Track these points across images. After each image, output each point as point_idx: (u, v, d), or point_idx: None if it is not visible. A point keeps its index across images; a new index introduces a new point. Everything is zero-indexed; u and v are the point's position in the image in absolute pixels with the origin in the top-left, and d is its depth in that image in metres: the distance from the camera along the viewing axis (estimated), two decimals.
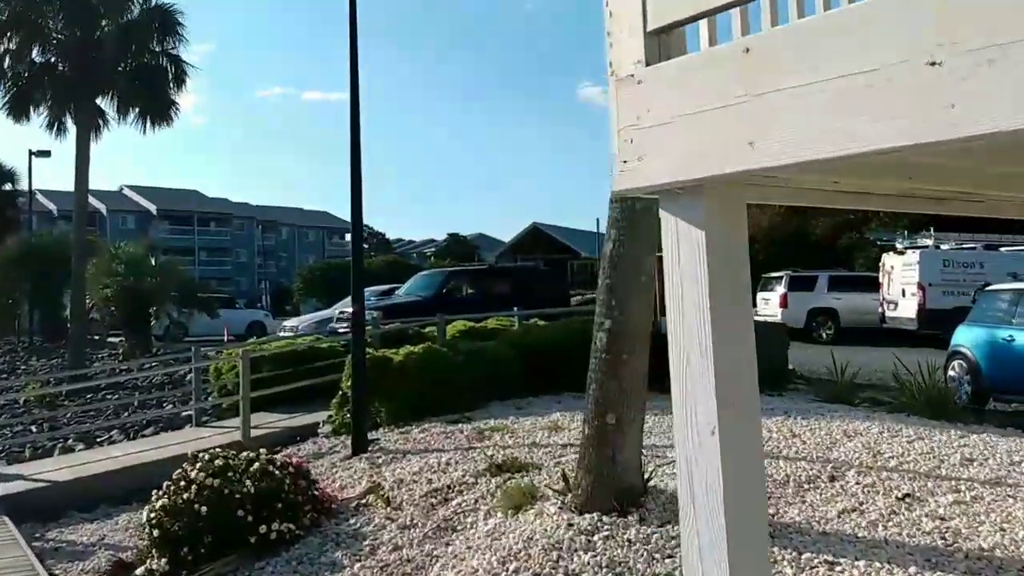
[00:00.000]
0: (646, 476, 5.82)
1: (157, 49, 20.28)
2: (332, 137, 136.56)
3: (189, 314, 24.75)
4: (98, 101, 20.27)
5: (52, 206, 66.11)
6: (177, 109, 20.92)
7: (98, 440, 13.54)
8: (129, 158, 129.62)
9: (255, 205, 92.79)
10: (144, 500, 9.48)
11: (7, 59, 19.49)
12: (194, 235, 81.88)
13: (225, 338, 18.76)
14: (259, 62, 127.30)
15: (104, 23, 20.06)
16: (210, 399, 14.09)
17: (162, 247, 48.79)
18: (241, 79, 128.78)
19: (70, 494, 9.94)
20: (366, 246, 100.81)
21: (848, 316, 24.41)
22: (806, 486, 5.90)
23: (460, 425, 10.17)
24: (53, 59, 19.83)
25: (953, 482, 5.88)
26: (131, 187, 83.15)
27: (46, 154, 35.92)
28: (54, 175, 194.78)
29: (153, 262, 24.78)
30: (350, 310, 19.07)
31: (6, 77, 19.49)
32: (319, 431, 11.60)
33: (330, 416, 11.71)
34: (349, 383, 11.25)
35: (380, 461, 8.99)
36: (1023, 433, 7.66)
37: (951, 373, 11.13)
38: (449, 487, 7.11)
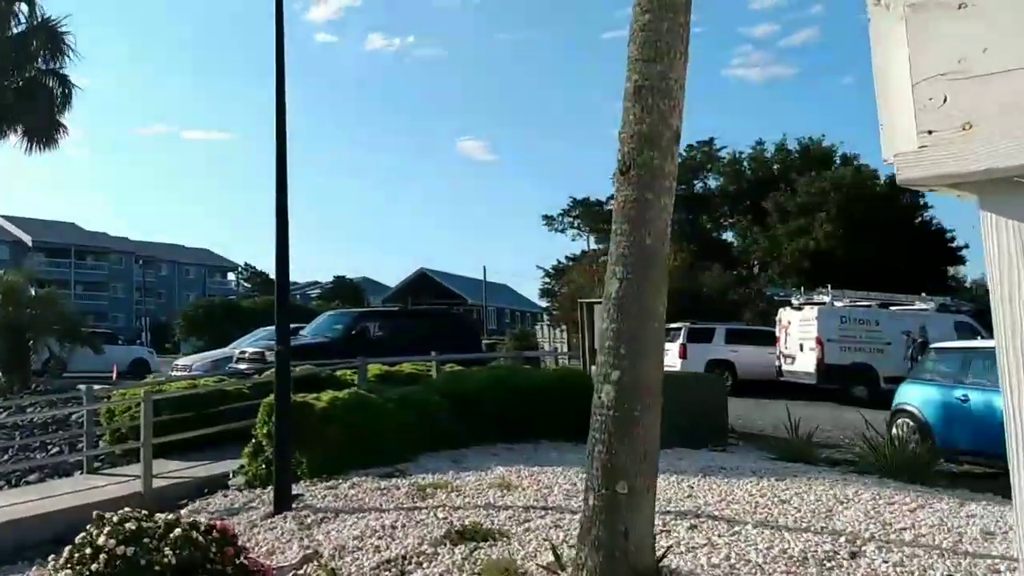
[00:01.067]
0: (658, 554, 5.16)
1: (44, 67, 18.76)
2: (215, 176, 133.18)
3: (70, 349, 22.82)
4: None
5: None
6: (64, 131, 19.42)
7: None
8: (4, 185, 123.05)
9: (135, 240, 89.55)
10: (33, 559, 8.28)
11: None
12: (71, 268, 77.96)
13: (113, 376, 17.13)
14: (140, 99, 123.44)
15: None
16: (101, 443, 12.71)
17: (37, 279, 45.88)
18: (121, 115, 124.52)
19: None
20: (248, 285, 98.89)
21: (745, 368, 24.71)
22: (827, 564, 5.35)
23: (395, 480, 9.31)
24: None
25: (989, 561, 5.45)
26: (4, 216, 78.93)
27: None
28: None
29: (33, 292, 22.87)
30: (252, 349, 18.06)
31: None
32: (230, 483, 10.49)
33: (242, 466, 10.63)
34: (265, 430, 10.26)
35: (310, 521, 8.03)
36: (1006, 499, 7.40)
37: (895, 432, 10.98)
38: (404, 558, 6.24)
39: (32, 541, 9.04)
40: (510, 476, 8.99)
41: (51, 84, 18.86)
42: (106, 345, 30.29)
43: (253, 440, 10.58)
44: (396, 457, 10.29)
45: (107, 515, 6.44)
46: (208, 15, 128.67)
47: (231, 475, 10.68)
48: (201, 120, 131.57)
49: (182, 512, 9.62)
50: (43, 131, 18.90)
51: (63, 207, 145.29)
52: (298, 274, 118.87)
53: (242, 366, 17.13)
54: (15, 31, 18.37)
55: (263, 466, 10.25)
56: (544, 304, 52.25)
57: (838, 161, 37.71)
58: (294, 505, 8.71)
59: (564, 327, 43.88)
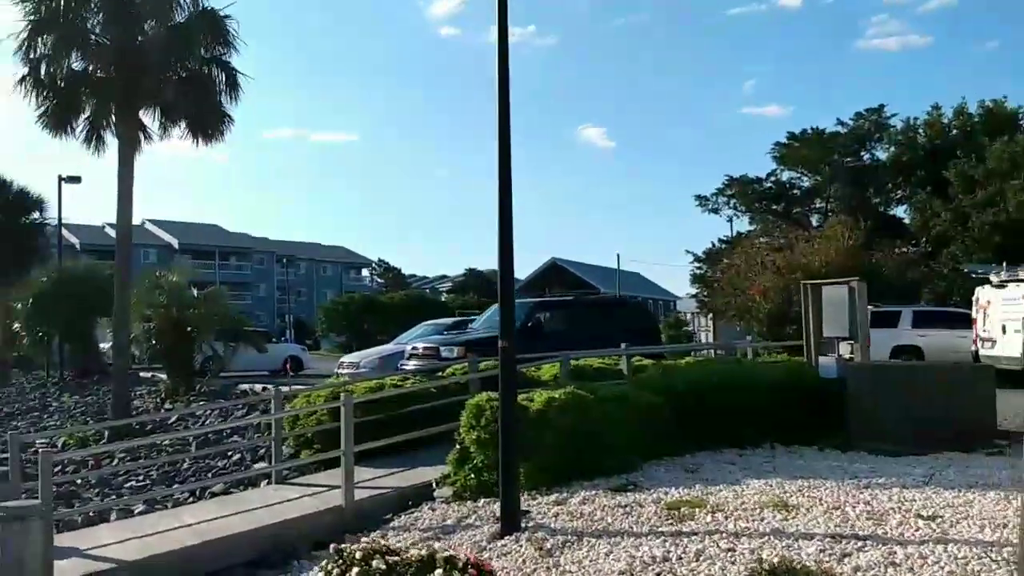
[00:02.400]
0: None
1: (207, 56, 18.32)
2: (344, 175, 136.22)
3: (233, 349, 22.66)
4: (141, 113, 18.35)
5: (75, 240, 64.85)
6: (230, 121, 18.91)
7: (159, 500, 11.46)
8: (148, 192, 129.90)
9: (274, 240, 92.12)
10: None
11: (43, 65, 17.59)
12: (215, 269, 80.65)
13: (288, 375, 16.55)
14: (268, 103, 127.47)
15: (148, 26, 18.17)
16: (284, 449, 11.96)
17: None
18: (252, 119, 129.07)
19: None
20: (381, 281, 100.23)
21: (935, 355, 22.17)
22: None
23: (631, 495, 8.03)
24: (92, 65, 17.86)
25: None
26: (153, 221, 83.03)
27: (76, 180, 34.22)
28: (77, 207, 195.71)
29: (195, 292, 22.86)
30: (423, 344, 17.15)
31: (43, 85, 17.58)
32: (435, 494, 9.43)
33: (446, 475, 9.58)
34: (473, 435, 9.19)
35: (549, 545, 6.83)
36: None
37: None
38: None
39: (233, 562, 8.25)
40: (778, 492, 7.56)
41: (215, 73, 18.41)
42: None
43: (458, 446, 9.52)
44: (619, 466, 9.04)
45: (345, 549, 5.41)
46: (331, 20, 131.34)
47: (434, 485, 9.64)
48: (328, 123, 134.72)
49: (390, 528, 8.71)
50: (209, 122, 18.49)
51: (205, 210, 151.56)
52: (426, 268, 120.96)
53: (411, 364, 16.27)
54: (178, 20, 17.99)
55: (472, 475, 9.18)
56: (693, 291, 49.93)
57: None
58: (523, 524, 7.56)
59: (710, 315, 41.78)
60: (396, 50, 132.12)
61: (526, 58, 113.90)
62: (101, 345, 32.49)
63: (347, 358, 19.79)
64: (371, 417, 11.02)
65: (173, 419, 15.59)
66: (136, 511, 10.91)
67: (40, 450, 7.74)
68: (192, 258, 79.79)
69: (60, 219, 34.85)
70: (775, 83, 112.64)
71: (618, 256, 68.62)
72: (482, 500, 8.80)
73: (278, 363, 31.69)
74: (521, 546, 6.96)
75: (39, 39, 17.31)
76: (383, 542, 5.75)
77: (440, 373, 13.12)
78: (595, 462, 8.97)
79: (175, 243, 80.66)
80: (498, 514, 7.79)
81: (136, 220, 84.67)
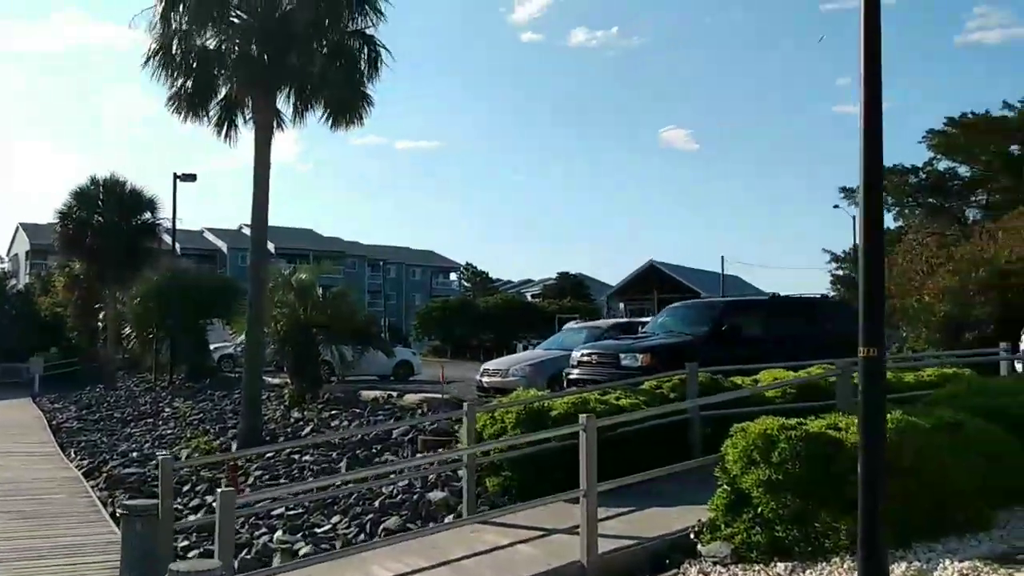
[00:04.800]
0: None
1: (350, 28, 16.40)
2: (427, 181, 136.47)
3: (360, 352, 20.83)
4: (277, 96, 16.57)
5: (178, 246, 65.07)
6: (369, 103, 16.98)
7: (319, 532, 9.53)
8: (244, 198, 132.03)
9: (365, 244, 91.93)
10: None
11: (175, 42, 16.02)
12: None
13: (441, 382, 14.52)
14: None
15: None
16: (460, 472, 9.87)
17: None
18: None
19: None
20: (467, 285, 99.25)
21: None
22: None
23: None
24: (229, 42, 16.13)
25: None
26: (248, 225, 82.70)
27: (191, 178, 33.29)
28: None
29: (320, 292, 21.19)
30: (596, 351, 14.83)
31: (174, 64, 15.98)
32: (701, 551, 7.17)
33: (711, 525, 7.32)
34: (758, 475, 6.91)
35: None
36: None
37: None
38: None
39: None
40: None
41: (357, 47, 16.51)
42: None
43: (726, 487, 7.27)
44: (969, 519, 6.66)
45: None
46: (416, 28, 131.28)
47: (694, 537, 7.38)
48: (411, 130, 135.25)
49: None
50: (348, 103, 16.63)
51: (295, 218, 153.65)
52: (510, 272, 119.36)
53: (576, 373, 14.09)
54: None
55: (757, 529, 6.90)
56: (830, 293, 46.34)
57: None
58: None
59: None
60: (482, 57, 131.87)
61: (610, 60, 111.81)
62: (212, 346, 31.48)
63: (490, 365, 17.72)
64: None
65: (357, 437, 13.53)
66: (299, 548, 9.02)
67: (219, 492, 5.82)
68: (287, 262, 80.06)
69: (175, 218, 33.97)
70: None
71: (722, 259, 65.31)
72: (780, 565, 6.53)
73: (388, 368, 30.00)
74: None
75: (172, 13, 15.65)
76: None
77: (643, 386, 10.86)
78: (936, 514, 6.60)
79: (271, 247, 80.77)
80: None
81: (233, 225, 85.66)
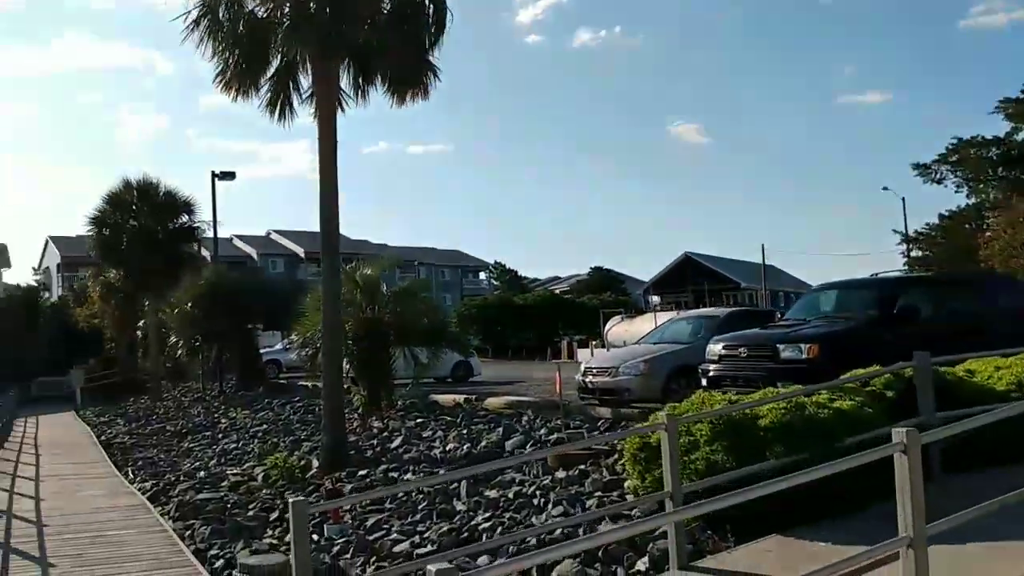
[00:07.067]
0: None
1: None
2: (442, 184, 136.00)
3: (434, 353, 18.91)
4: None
5: (205, 252, 64.01)
6: (433, 75, 14.75)
7: None
8: (269, 206, 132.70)
9: (393, 246, 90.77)
10: None
11: (222, 9, 14.02)
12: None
13: (559, 391, 12.58)
14: (361, 121, 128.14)
15: None
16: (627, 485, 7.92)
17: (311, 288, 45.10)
18: (351, 136, 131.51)
19: None
20: (497, 283, 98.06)
21: None
22: None
23: None
24: (281, 8, 14.13)
25: None
26: (278, 231, 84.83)
27: (230, 176, 31.74)
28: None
29: (385, 289, 19.32)
30: (744, 343, 11.94)
31: (221, 31, 13.90)
32: None
33: None
34: None
35: None
36: None
37: None
38: None
39: None
40: None
41: (423, 7, 14.29)
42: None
43: None
44: None
45: None
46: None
47: None
48: (422, 135, 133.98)
49: None
50: (410, 73, 14.48)
51: (313, 223, 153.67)
52: (535, 271, 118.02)
53: (714, 369, 12.12)
54: None
55: None
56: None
57: None
58: None
59: None
60: (486, 60, 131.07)
61: (614, 59, 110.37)
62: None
63: (593, 363, 15.64)
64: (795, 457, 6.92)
65: (462, 450, 11.66)
66: None
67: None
68: (317, 266, 78.75)
69: (215, 219, 32.32)
70: (873, 69, 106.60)
71: (763, 247, 63.04)
72: None
73: (446, 369, 28.11)
74: None
75: None
76: None
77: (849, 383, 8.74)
78: None
79: (301, 252, 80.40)
80: None
81: (261, 231, 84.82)
